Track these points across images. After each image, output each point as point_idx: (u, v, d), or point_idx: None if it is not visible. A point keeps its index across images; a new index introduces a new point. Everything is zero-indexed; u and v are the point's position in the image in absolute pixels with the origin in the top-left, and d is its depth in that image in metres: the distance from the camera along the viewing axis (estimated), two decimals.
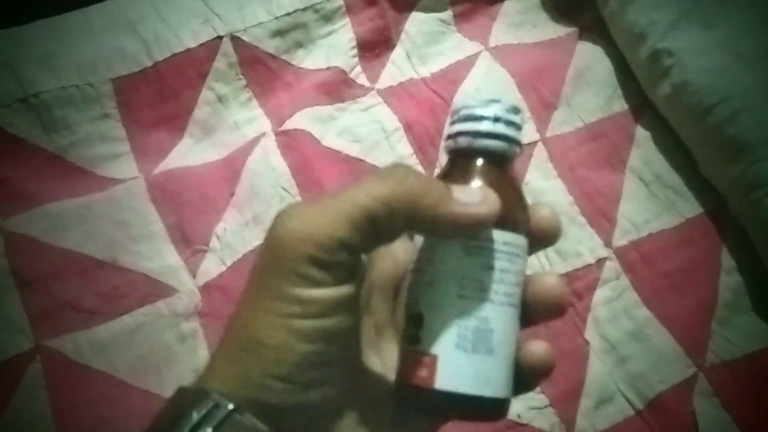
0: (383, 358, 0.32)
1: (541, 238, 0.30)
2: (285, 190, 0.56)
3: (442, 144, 0.32)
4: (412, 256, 0.31)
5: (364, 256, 0.29)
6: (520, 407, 0.50)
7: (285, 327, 0.27)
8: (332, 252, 0.27)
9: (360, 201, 0.27)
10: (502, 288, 0.29)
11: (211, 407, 0.27)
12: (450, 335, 0.29)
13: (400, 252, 0.34)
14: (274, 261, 0.28)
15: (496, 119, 0.30)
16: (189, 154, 0.60)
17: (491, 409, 0.30)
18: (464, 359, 0.29)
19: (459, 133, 0.31)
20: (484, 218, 0.28)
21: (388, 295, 0.34)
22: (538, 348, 0.30)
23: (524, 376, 0.30)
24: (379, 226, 0.27)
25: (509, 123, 0.30)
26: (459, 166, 0.31)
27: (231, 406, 0.27)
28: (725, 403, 0.50)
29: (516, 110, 0.31)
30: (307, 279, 0.27)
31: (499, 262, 0.30)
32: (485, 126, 0.30)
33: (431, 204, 0.27)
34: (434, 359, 0.29)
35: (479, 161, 0.30)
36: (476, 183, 0.30)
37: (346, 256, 0.27)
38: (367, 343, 0.33)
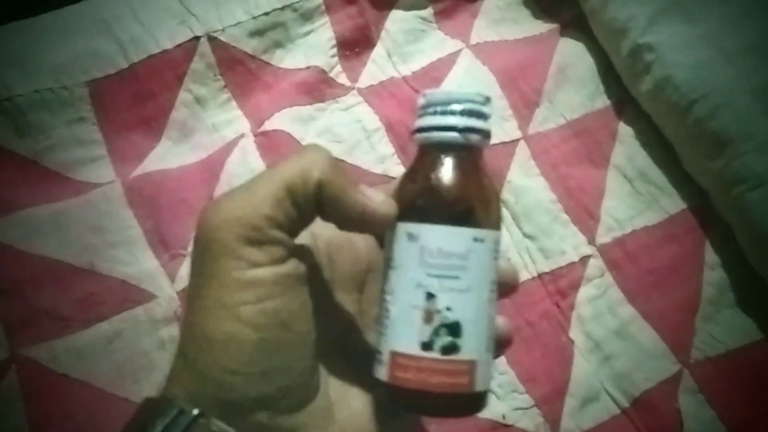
0: (352, 352, 0.33)
1: (499, 290, 0.31)
2: None
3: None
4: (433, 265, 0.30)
5: (319, 241, 0.32)
6: (504, 408, 0.50)
7: (231, 316, 0.27)
8: (263, 229, 0.27)
9: (279, 178, 0.28)
10: (495, 284, 0.30)
11: (175, 415, 0.27)
12: (484, 339, 0.30)
13: (361, 247, 0.34)
14: (210, 250, 0.28)
15: (455, 111, 0.30)
16: (167, 156, 0.59)
17: (487, 398, 0.31)
18: (489, 359, 0.30)
19: (419, 128, 0.31)
20: (381, 216, 0.29)
21: (351, 290, 0.34)
22: (500, 323, 0.32)
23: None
24: (298, 200, 0.28)
25: (471, 114, 0.30)
26: (423, 159, 0.31)
27: (195, 412, 0.26)
28: (710, 399, 0.50)
29: (481, 100, 0.31)
30: (244, 260, 0.27)
31: (495, 261, 0.31)
32: (443, 119, 0.30)
33: (337, 187, 0.28)
34: (473, 365, 0.29)
35: (442, 154, 0.31)
36: (441, 175, 0.30)
37: (278, 233, 0.28)
38: (335, 338, 0.33)
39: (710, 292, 0.54)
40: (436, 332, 0.29)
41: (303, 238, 0.31)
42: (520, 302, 0.53)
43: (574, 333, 0.53)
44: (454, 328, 0.29)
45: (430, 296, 0.29)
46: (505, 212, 0.57)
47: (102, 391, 0.49)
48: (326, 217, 0.30)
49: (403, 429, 0.34)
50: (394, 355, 0.29)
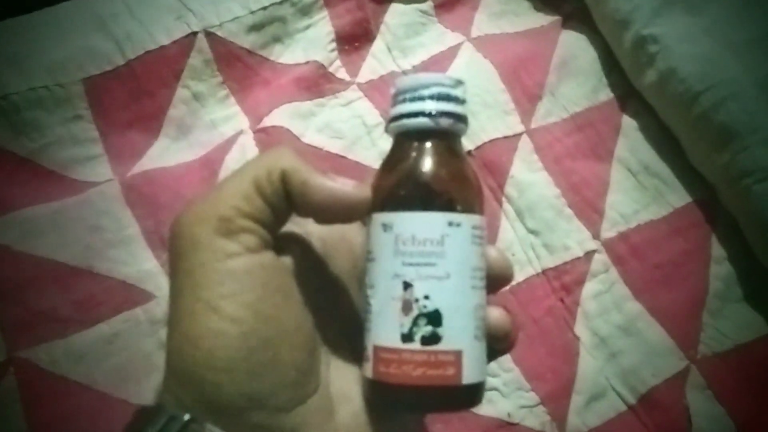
0: (355, 349, 0.32)
1: (491, 282, 0.31)
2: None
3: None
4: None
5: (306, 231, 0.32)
6: (510, 406, 0.49)
7: (210, 312, 0.27)
8: (232, 219, 0.28)
9: (244, 174, 0.29)
10: (483, 272, 0.30)
11: (165, 421, 0.26)
12: (470, 328, 0.29)
13: (357, 242, 0.34)
14: (183, 248, 0.28)
15: (423, 96, 0.30)
16: (165, 154, 0.58)
17: (482, 392, 0.30)
18: (478, 348, 0.29)
19: (392, 118, 0.31)
20: (353, 201, 0.29)
21: (351, 285, 0.34)
22: (496, 314, 0.31)
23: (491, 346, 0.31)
24: (265, 194, 0.28)
25: (440, 97, 0.30)
26: (397, 149, 0.31)
27: (186, 417, 0.26)
28: (718, 396, 0.49)
29: (451, 83, 0.30)
30: (217, 252, 0.27)
31: (481, 247, 0.30)
32: (413, 106, 0.30)
33: (302, 175, 0.29)
34: (459, 355, 0.28)
35: (414, 142, 0.30)
36: (413, 162, 0.30)
37: (248, 223, 0.28)
38: (337, 334, 0.32)
39: (717, 286, 0.53)
40: (415, 322, 0.28)
41: (295, 234, 0.32)
42: (524, 299, 0.53)
43: (580, 329, 0.52)
44: (433, 317, 0.28)
45: (407, 286, 0.28)
46: (508, 208, 0.56)
47: (101, 393, 0.48)
48: (300, 210, 0.30)
49: (407, 429, 0.34)
50: (377, 349, 0.29)
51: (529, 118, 0.60)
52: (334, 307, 0.33)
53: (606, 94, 0.61)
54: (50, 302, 0.50)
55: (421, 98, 0.30)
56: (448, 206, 0.29)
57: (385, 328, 0.28)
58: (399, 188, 0.30)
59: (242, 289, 0.27)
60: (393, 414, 0.32)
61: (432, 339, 0.28)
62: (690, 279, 0.53)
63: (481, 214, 0.30)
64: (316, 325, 0.31)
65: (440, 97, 0.30)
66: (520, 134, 0.59)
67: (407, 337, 0.28)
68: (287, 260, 0.30)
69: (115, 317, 0.50)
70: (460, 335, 0.28)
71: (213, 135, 0.59)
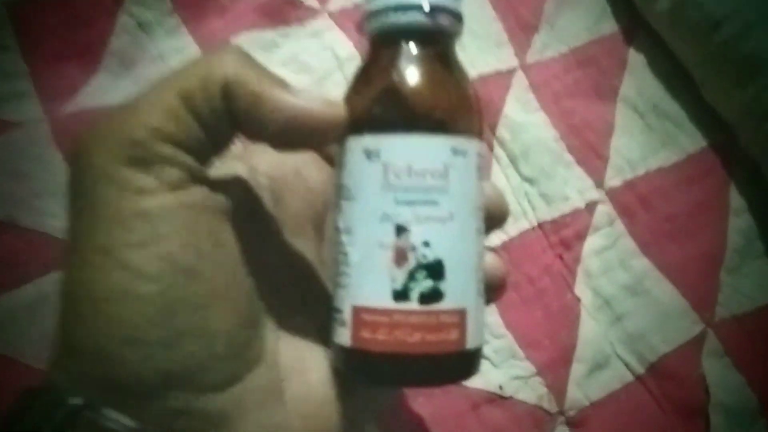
0: (311, 311, 0.27)
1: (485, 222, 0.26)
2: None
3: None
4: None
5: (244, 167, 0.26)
6: (501, 377, 0.43)
7: (116, 264, 0.21)
8: (147, 144, 0.21)
9: (171, 84, 0.22)
10: (481, 212, 0.25)
11: (47, 407, 0.20)
12: (474, 281, 0.24)
13: (315, 181, 0.28)
14: (83, 181, 0.21)
15: None
16: (105, 91, 0.51)
17: (481, 358, 0.25)
18: (481, 305, 0.24)
19: (371, 13, 0.25)
20: (322, 120, 0.23)
21: (306, 234, 0.27)
22: (489, 259, 0.26)
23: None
24: (199, 110, 0.22)
25: None
26: (380, 54, 0.25)
27: (76, 401, 0.20)
28: (738, 363, 0.44)
29: None
30: (128, 187, 0.21)
31: (480, 181, 0.25)
32: None
33: (253, 87, 0.22)
34: (463, 315, 0.23)
35: (404, 44, 0.24)
36: (406, 70, 0.24)
37: (170, 150, 0.21)
38: (288, 293, 0.27)
39: (736, 240, 0.47)
40: (411, 276, 0.23)
41: (237, 172, 0.25)
42: (518, 255, 0.46)
43: (581, 289, 0.46)
44: (435, 269, 0.23)
45: (401, 230, 0.23)
46: (500, 152, 0.49)
47: (28, 366, 0.41)
48: (249, 133, 0.23)
49: (379, 404, 0.28)
50: (359, 310, 0.23)
51: (524, 51, 0.53)
52: (286, 262, 0.27)
53: (610, 26, 0.54)
54: None
55: None
56: (453, 128, 0.24)
57: (371, 284, 0.23)
58: (389, 104, 0.24)
59: (159, 236, 0.21)
60: (364, 388, 0.26)
61: (433, 296, 0.23)
62: (705, 233, 0.47)
63: (482, 139, 0.25)
64: (260, 284, 0.25)
65: None
66: (513, 69, 0.52)
67: (401, 295, 0.23)
68: (222, 200, 0.24)
69: (42, 278, 0.43)
70: (464, 290, 0.23)
71: (161, 69, 0.51)
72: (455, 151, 0.23)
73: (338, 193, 0.25)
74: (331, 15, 0.54)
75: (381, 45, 0.25)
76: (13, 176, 0.45)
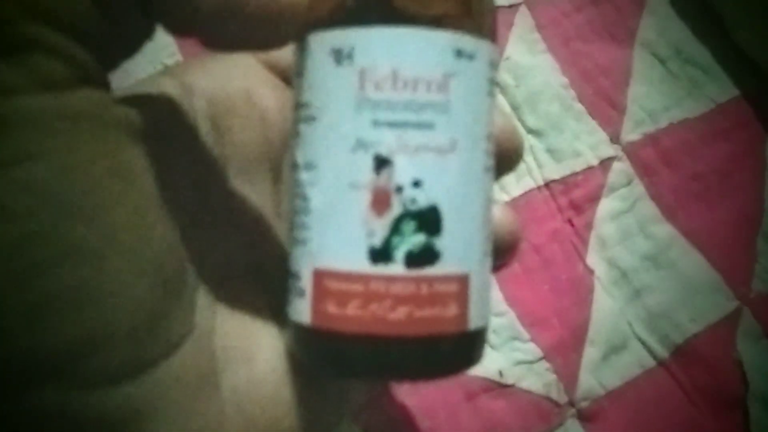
0: (260, 274, 0.21)
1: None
2: (166, 66, 0.40)
3: None
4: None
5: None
6: (502, 361, 0.37)
7: None
8: (16, 24, 0.14)
9: None
10: (491, 143, 0.18)
11: None
12: (480, 237, 0.18)
13: (271, 108, 0.21)
14: None
15: None
16: None
17: (483, 345, 0.19)
18: (488, 272, 0.19)
19: None
20: (272, 6, 0.16)
21: (258, 176, 0.21)
22: (499, 212, 0.21)
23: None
24: None
25: None
26: None
27: None
28: None
29: None
30: None
31: (493, 100, 0.18)
32: None
33: None
34: (465, 282, 0.17)
35: None
36: None
37: (48, 33, 0.15)
38: (230, 251, 0.21)
39: None
40: (396, 228, 0.16)
41: (165, 90, 0.19)
42: (521, 219, 0.39)
43: (594, 260, 0.40)
44: (428, 219, 0.16)
45: (383, 163, 0.16)
46: (501, 100, 0.42)
47: None
48: (166, 17, 0.16)
49: (346, 402, 0.22)
50: (322, 275, 0.17)
51: None
52: (229, 211, 0.21)
53: None
54: None
55: None
56: (455, 23, 0.17)
57: (339, 240, 0.17)
58: None
59: (27, 154, 0.15)
60: (330, 380, 0.20)
61: (425, 256, 0.16)
62: (739, 193, 0.41)
63: (495, 41, 0.18)
64: (190, 238, 0.19)
65: None
66: (517, 5, 0.45)
67: (381, 255, 0.16)
68: (133, 118, 0.17)
69: None
70: (467, 250, 0.17)
71: None
72: (460, 54, 0.16)
73: (296, 115, 0.18)
74: None
75: None
76: None
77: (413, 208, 0.16)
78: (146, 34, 0.17)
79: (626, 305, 0.39)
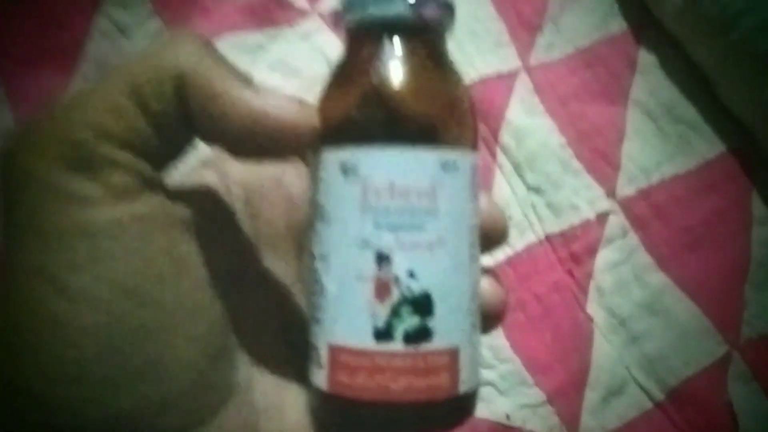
0: (288, 339, 0.24)
1: (481, 243, 0.23)
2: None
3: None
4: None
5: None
6: (509, 405, 0.40)
7: (53, 289, 0.18)
8: (89, 144, 0.18)
9: (119, 77, 0.19)
10: (475, 234, 0.22)
11: None
12: (467, 315, 0.21)
13: (297, 192, 0.24)
14: (15, 189, 0.18)
15: None
16: None
17: (476, 399, 0.22)
18: (475, 341, 0.22)
19: (348, 4, 0.21)
20: (288, 125, 0.19)
21: (284, 252, 0.24)
22: (486, 286, 0.23)
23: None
24: (149, 106, 0.19)
25: None
26: (357, 52, 0.21)
27: None
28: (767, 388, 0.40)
29: None
30: (68, 198, 0.18)
31: (475, 198, 0.21)
32: None
33: (210, 81, 0.19)
34: (455, 355, 0.20)
35: (385, 41, 0.21)
36: (386, 72, 0.20)
37: (117, 152, 0.18)
38: (262, 319, 0.24)
39: (761, 252, 0.44)
40: (395, 312, 0.19)
41: (206, 180, 0.23)
42: (524, 271, 0.43)
43: (593, 308, 0.43)
44: (422, 304, 0.20)
45: (383, 258, 0.19)
46: (503, 160, 0.46)
47: None
48: (205, 135, 0.20)
49: None
50: (336, 351, 0.20)
51: (527, 52, 0.49)
52: (261, 284, 0.24)
53: (618, 24, 0.51)
54: None
55: None
56: (441, 139, 0.20)
57: (349, 321, 0.20)
58: (367, 112, 0.20)
59: (105, 255, 0.18)
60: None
61: (420, 335, 0.20)
62: (727, 244, 0.44)
63: (476, 149, 0.22)
64: (230, 310, 0.22)
65: None
66: (516, 71, 0.49)
67: (384, 334, 0.20)
68: (183, 212, 0.21)
69: None
70: (456, 327, 0.20)
71: None
72: (445, 166, 0.20)
73: (313, 212, 0.21)
74: (322, 16, 0.51)
75: (359, 40, 0.21)
76: None
77: (409, 295, 0.19)
78: (188, 143, 0.21)
79: (624, 350, 0.42)
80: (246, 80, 0.19)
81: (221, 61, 0.20)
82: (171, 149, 0.20)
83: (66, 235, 0.18)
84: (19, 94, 0.47)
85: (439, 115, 0.20)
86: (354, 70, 0.21)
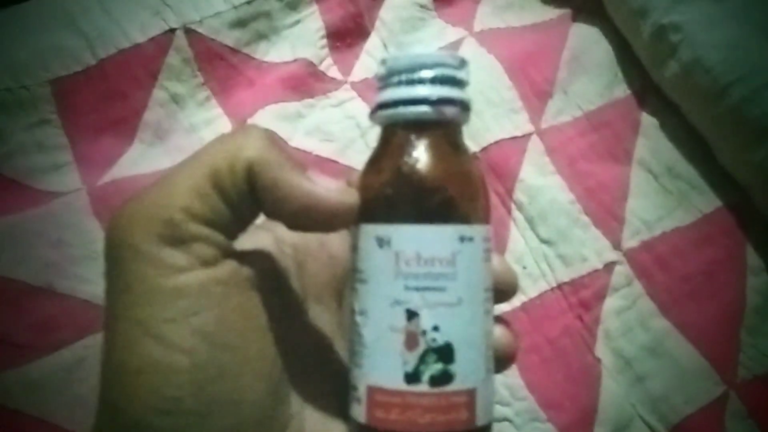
0: (332, 376, 0.28)
1: (494, 296, 0.27)
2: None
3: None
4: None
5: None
6: None
7: (153, 338, 0.22)
8: (181, 224, 0.23)
9: (199, 165, 0.23)
10: (491, 291, 0.26)
11: None
12: (483, 360, 0.25)
13: (337, 251, 0.29)
14: (120, 259, 0.23)
15: (425, 79, 0.25)
16: (140, 161, 0.53)
17: (491, 430, 0.26)
18: (490, 382, 0.25)
19: (381, 104, 0.26)
20: (335, 208, 0.24)
21: (328, 302, 0.28)
22: (499, 334, 0.27)
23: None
24: (225, 190, 0.23)
25: (445, 81, 0.25)
26: (389, 144, 0.26)
27: None
28: (763, 426, 0.43)
29: (455, 63, 0.26)
30: (161, 265, 0.22)
31: (488, 263, 0.26)
32: (411, 90, 0.25)
33: (274, 170, 0.23)
34: (473, 395, 0.24)
35: (412, 135, 0.25)
36: (412, 161, 0.25)
37: (202, 229, 0.23)
38: (310, 360, 0.28)
39: (755, 300, 0.47)
40: (422, 359, 0.23)
41: (263, 242, 0.26)
42: (538, 317, 0.47)
43: (601, 351, 0.46)
44: (444, 353, 0.24)
45: (412, 315, 0.23)
46: (518, 215, 0.51)
47: (60, 428, 0.42)
48: (268, 212, 0.25)
49: None
50: (373, 390, 0.24)
51: (538, 117, 0.54)
52: (307, 331, 0.28)
53: (622, 90, 0.56)
54: (5, 326, 0.44)
55: (421, 81, 0.25)
56: (459, 217, 0.25)
57: (384, 366, 0.24)
58: (397, 194, 0.25)
59: (193, 310, 0.23)
60: None
61: (443, 379, 0.23)
62: (724, 292, 0.48)
63: (488, 223, 0.26)
64: (284, 353, 0.26)
65: (443, 81, 0.25)
66: (529, 135, 0.54)
67: (413, 378, 0.23)
68: (249, 272, 0.25)
69: (78, 342, 0.44)
70: (473, 371, 0.24)
71: (192, 140, 0.54)
72: (462, 239, 0.24)
73: (354, 275, 0.26)
74: (354, 86, 0.56)
75: (391, 133, 0.26)
76: (52, 244, 0.47)
77: (434, 345, 0.23)
78: (255, 218, 0.26)
79: (630, 389, 0.45)
80: (302, 168, 0.25)
81: (283, 150, 0.25)
82: (241, 223, 0.25)
83: (161, 295, 0.22)
84: (85, 158, 0.53)
85: (457, 197, 0.25)
86: (386, 158, 0.26)
